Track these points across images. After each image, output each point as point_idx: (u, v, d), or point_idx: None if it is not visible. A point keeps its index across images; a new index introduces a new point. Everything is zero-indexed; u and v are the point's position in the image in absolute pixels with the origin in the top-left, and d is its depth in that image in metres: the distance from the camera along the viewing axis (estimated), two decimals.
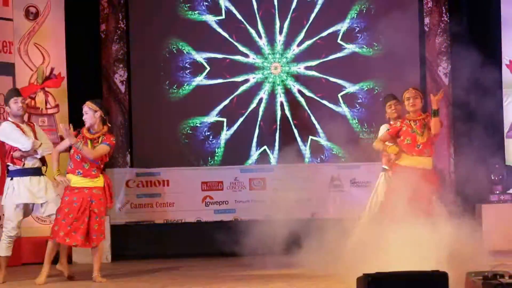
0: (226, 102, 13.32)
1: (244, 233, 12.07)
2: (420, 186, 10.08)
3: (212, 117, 13.28)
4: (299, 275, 9.79)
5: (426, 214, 9.92)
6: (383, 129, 10.49)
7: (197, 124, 13.31)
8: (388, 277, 6.20)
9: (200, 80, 13.28)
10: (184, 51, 13.32)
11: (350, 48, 13.21)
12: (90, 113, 9.82)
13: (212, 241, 12.15)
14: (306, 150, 13.19)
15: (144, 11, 13.37)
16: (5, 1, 12.32)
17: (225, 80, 13.31)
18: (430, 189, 10.21)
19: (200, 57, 13.28)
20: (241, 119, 13.29)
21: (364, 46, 13.19)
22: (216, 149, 13.26)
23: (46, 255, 9.90)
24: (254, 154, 13.21)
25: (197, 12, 13.31)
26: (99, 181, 9.84)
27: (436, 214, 10.23)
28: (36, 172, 9.99)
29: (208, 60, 13.31)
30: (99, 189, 9.83)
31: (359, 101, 13.21)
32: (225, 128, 13.30)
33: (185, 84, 13.33)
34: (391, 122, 10.41)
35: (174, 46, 13.31)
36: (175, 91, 13.30)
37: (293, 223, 12.50)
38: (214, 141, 13.25)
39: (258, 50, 13.33)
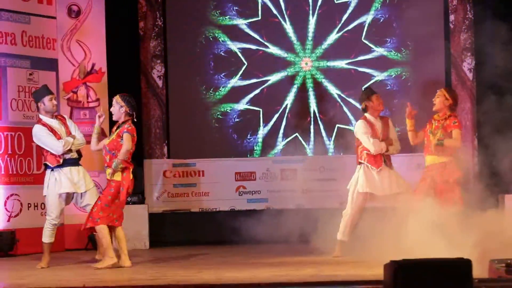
0: (259, 94, 13.31)
1: (276, 221, 12.11)
2: (443, 178, 10.08)
3: (246, 110, 13.27)
4: (329, 261, 9.79)
5: (451, 203, 9.91)
6: (361, 124, 10.40)
7: (231, 116, 13.31)
8: (414, 264, 6.18)
9: (235, 81, 13.27)
10: (219, 43, 13.32)
11: (378, 51, 13.15)
12: (117, 107, 9.76)
13: (245, 229, 12.17)
14: (330, 144, 13.16)
15: (180, 9, 13.38)
16: (49, 0, 12.38)
17: (259, 79, 13.29)
18: (453, 179, 10.19)
19: (235, 47, 13.27)
20: (276, 114, 13.27)
21: (392, 51, 13.12)
22: (251, 141, 13.24)
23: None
24: (286, 145, 13.17)
25: (227, 16, 13.31)
26: (117, 176, 9.63)
27: (460, 202, 10.21)
28: (74, 162, 10.01)
29: (243, 51, 13.30)
30: (115, 182, 9.65)
31: (387, 88, 13.14)
32: (261, 121, 13.28)
33: (220, 80, 13.33)
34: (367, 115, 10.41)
35: (210, 39, 13.32)
36: (210, 85, 13.32)
37: (322, 212, 12.52)
38: (247, 134, 13.23)
39: (289, 47, 13.31)
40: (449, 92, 10.29)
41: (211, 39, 13.36)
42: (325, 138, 13.16)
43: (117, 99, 9.79)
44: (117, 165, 9.52)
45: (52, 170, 9.93)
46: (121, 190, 9.58)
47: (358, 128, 10.30)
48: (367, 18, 13.25)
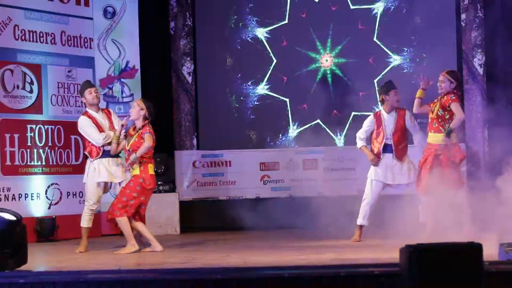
0: (284, 89, 13.31)
1: (298, 208, 12.11)
2: (449, 158, 10.00)
3: (271, 103, 13.26)
4: (347, 245, 9.78)
5: (456, 183, 9.84)
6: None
7: (257, 110, 13.30)
8: (427, 248, 6.15)
9: (262, 88, 13.27)
10: (246, 42, 13.33)
11: (396, 59, 13.12)
12: (137, 108, 9.70)
13: (270, 215, 12.17)
14: (341, 137, 13.13)
15: (208, 10, 13.38)
16: (86, 2, 12.42)
17: (282, 75, 13.29)
18: (458, 160, 10.11)
19: (260, 44, 13.28)
20: (299, 108, 13.27)
21: (408, 59, 13.07)
22: (275, 134, 13.23)
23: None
24: (308, 135, 13.13)
25: (248, 27, 13.31)
26: (136, 170, 9.65)
27: (463, 182, 10.13)
28: (114, 154, 10.03)
29: (269, 48, 13.30)
30: (134, 176, 9.65)
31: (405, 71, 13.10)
32: (289, 113, 13.28)
33: (247, 76, 13.34)
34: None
35: (237, 38, 13.32)
36: (237, 80, 13.33)
37: (341, 199, 12.50)
38: (272, 126, 13.22)
39: (311, 46, 13.29)
40: (452, 75, 10.15)
41: (237, 38, 13.34)
42: (344, 130, 13.13)
43: (139, 102, 9.79)
44: (134, 159, 9.54)
45: (92, 160, 9.96)
46: (139, 182, 9.61)
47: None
48: (380, 17, 13.20)
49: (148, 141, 9.57)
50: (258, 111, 13.32)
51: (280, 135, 13.14)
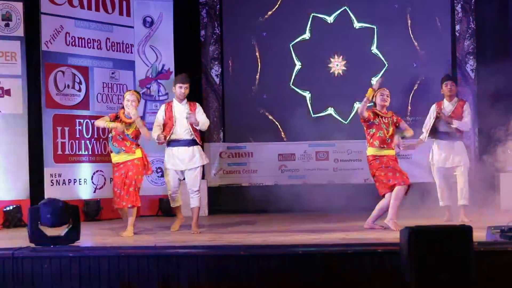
0: (300, 86, 13.32)
1: (311, 194, 12.10)
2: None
3: (289, 102, 13.25)
4: (356, 227, 9.73)
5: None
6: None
7: (276, 107, 13.31)
8: (424, 229, 6.17)
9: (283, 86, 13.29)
10: (266, 48, 13.34)
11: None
12: (137, 101, 9.42)
13: (286, 200, 12.18)
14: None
15: (235, 20, 13.39)
16: (128, 13, 12.46)
17: (301, 78, 13.30)
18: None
19: (281, 50, 13.28)
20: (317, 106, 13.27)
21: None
22: (292, 129, 13.23)
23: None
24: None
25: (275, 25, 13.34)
26: (138, 153, 9.38)
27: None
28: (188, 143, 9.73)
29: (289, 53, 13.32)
30: (139, 159, 9.37)
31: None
32: (310, 109, 13.29)
33: (268, 77, 13.35)
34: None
35: (260, 44, 13.33)
36: (259, 81, 13.33)
37: (349, 187, 12.51)
38: (289, 122, 13.22)
39: (326, 53, 13.29)
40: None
41: (259, 43, 13.34)
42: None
43: (135, 95, 9.43)
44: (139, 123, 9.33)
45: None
46: (141, 164, 9.42)
47: None
48: (377, 28, 13.18)
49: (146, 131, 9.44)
50: (277, 108, 13.30)
51: (297, 130, 13.10)
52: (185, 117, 9.55)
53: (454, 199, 10.33)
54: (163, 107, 9.84)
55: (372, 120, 9.31)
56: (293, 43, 13.31)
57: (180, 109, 9.66)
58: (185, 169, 9.66)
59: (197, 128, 9.68)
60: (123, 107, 9.51)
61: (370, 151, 9.36)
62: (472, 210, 11.00)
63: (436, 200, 10.47)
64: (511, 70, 12.49)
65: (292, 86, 13.28)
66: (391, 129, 9.36)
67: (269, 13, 13.35)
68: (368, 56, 13.21)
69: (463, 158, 10.26)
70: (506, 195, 12.11)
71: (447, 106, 10.23)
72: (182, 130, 9.63)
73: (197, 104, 9.86)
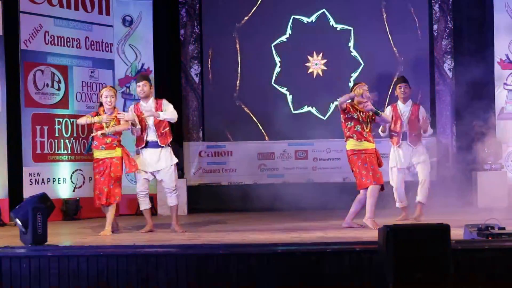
0: (282, 90, 13.31)
1: (291, 193, 12.11)
2: None
3: (269, 100, 13.24)
4: (334, 225, 9.75)
5: None
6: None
7: (255, 106, 13.29)
8: (402, 228, 6.17)
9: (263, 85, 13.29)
10: (246, 47, 13.32)
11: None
12: (115, 97, 9.45)
13: (266, 199, 12.18)
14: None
15: (214, 19, 13.36)
16: (107, 12, 12.41)
17: (281, 77, 13.29)
18: None
19: (261, 48, 13.27)
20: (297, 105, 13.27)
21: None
22: (270, 127, 13.22)
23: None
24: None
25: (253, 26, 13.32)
26: (118, 152, 9.37)
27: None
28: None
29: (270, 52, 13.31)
30: (118, 159, 9.37)
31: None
32: (290, 105, 13.28)
33: (247, 76, 13.33)
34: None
35: (239, 43, 13.30)
36: (239, 79, 13.32)
37: (328, 185, 12.53)
38: (268, 121, 13.21)
39: (305, 52, 13.29)
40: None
41: (239, 43, 13.32)
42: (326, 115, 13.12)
43: (113, 91, 9.48)
44: (112, 131, 9.33)
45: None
46: (121, 163, 9.42)
47: None
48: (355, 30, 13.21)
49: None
50: (257, 107, 13.28)
51: (277, 128, 13.09)
52: (146, 115, 9.50)
53: (411, 199, 10.38)
54: (131, 107, 9.79)
55: (351, 114, 9.37)
56: (273, 43, 13.30)
57: (147, 108, 9.61)
58: (154, 170, 9.64)
59: (164, 118, 9.53)
60: (101, 105, 9.47)
61: (349, 145, 9.41)
62: (449, 209, 11.06)
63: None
64: (489, 69, 12.58)
65: (273, 84, 13.27)
66: (369, 125, 9.45)
67: (249, 13, 13.34)
68: (346, 56, 13.24)
69: (423, 156, 10.24)
70: (483, 194, 12.17)
71: (402, 108, 10.23)
72: (150, 131, 9.60)
73: (163, 100, 9.70)
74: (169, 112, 9.53)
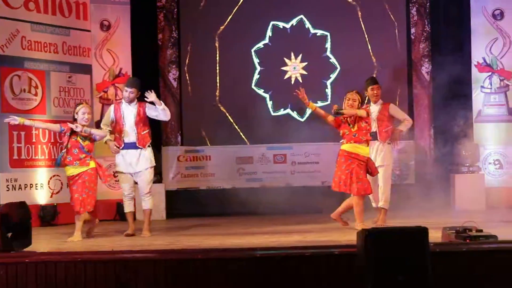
0: (259, 89, 13.30)
1: (269, 197, 12.10)
2: None
3: (247, 105, 13.23)
4: (313, 229, 9.78)
5: None
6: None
7: (234, 110, 13.27)
8: (380, 231, 6.18)
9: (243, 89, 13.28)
10: (225, 51, 13.30)
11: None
12: (91, 114, 9.66)
13: (244, 203, 12.16)
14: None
15: (192, 24, 13.33)
16: (85, 16, 12.36)
17: (259, 82, 13.28)
18: None
19: (240, 53, 13.25)
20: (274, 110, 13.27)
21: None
22: (249, 132, 13.20)
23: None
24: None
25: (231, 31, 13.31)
26: (91, 164, 9.49)
27: None
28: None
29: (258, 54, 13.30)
30: (92, 169, 9.47)
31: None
32: (269, 107, 13.28)
33: (226, 80, 13.31)
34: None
35: (218, 47, 13.29)
36: (217, 84, 13.30)
37: (307, 189, 12.53)
38: (246, 125, 13.20)
39: (283, 56, 13.30)
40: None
41: (218, 47, 13.30)
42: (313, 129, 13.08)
43: (89, 108, 9.71)
44: (87, 131, 9.45)
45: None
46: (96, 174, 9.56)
47: None
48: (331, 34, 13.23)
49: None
50: (236, 111, 13.26)
51: (254, 133, 13.10)
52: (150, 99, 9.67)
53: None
54: (112, 107, 9.98)
55: (341, 121, 9.73)
56: (253, 48, 13.29)
57: (129, 111, 9.78)
58: (134, 172, 9.76)
59: (159, 108, 9.76)
60: (74, 120, 9.51)
61: (343, 146, 9.71)
62: (427, 211, 11.10)
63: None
64: (466, 72, 12.65)
65: (252, 87, 13.25)
66: (356, 126, 9.62)
67: (228, 18, 13.31)
68: (323, 60, 13.24)
69: (385, 159, 10.28)
70: (461, 196, 12.23)
71: (373, 107, 10.34)
72: (129, 132, 9.74)
73: (146, 103, 9.83)
74: (165, 108, 9.87)
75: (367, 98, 10.42)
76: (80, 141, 9.44)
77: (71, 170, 9.49)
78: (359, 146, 9.57)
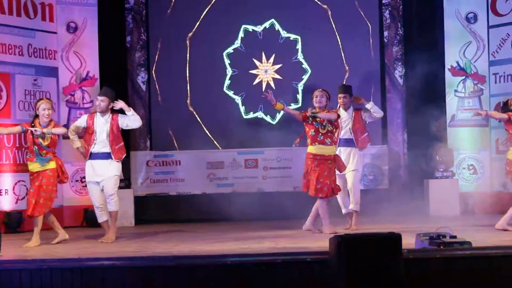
0: (232, 94, 13.31)
1: (240, 203, 12.10)
2: None
3: (217, 108, 13.23)
4: (285, 235, 9.79)
5: None
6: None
7: (204, 114, 13.25)
8: (353, 237, 6.20)
9: (208, 85, 13.26)
10: (194, 54, 13.29)
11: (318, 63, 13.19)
12: (52, 110, 9.69)
13: (215, 209, 12.15)
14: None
15: (161, 26, 13.30)
16: (51, 18, 12.28)
17: (228, 85, 13.29)
18: None
19: (208, 55, 13.24)
20: (245, 114, 13.27)
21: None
22: (220, 136, 13.20)
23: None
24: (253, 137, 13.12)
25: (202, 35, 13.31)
26: (52, 164, 9.59)
27: None
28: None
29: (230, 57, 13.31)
30: (51, 171, 9.59)
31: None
32: (241, 111, 13.28)
33: (195, 84, 13.29)
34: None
35: (187, 50, 13.27)
36: (186, 88, 13.28)
37: (279, 194, 12.53)
38: (218, 129, 13.20)
39: (253, 61, 13.32)
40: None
41: (189, 50, 13.28)
42: (285, 134, 13.11)
43: (51, 104, 9.74)
44: (49, 132, 9.55)
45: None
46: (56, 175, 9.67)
47: None
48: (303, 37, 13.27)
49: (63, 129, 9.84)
50: (206, 115, 13.25)
51: (225, 137, 13.10)
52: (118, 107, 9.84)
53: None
54: (85, 116, 10.12)
55: (309, 120, 10.02)
56: (224, 51, 13.28)
57: (102, 123, 9.90)
58: (100, 179, 9.87)
59: (129, 114, 9.90)
60: (36, 116, 9.66)
61: (309, 148, 10.04)
62: (401, 217, 11.15)
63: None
64: (439, 76, 12.73)
65: (224, 90, 13.24)
66: (326, 127, 9.96)
67: (198, 21, 13.29)
68: (294, 63, 13.27)
69: (357, 164, 10.56)
70: (435, 201, 12.31)
71: (344, 115, 10.58)
72: (101, 144, 9.88)
73: (119, 114, 10.03)
74: (135, 118, 9.98)
75: (338, 105, 10.62)
76: (40, 138, 9.56)
77: (32, 166, 9.62)
78: (323, 147, 9.95)
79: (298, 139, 10.21)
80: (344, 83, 12.68)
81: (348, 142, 10.52)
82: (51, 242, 9.60)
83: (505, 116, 9.99)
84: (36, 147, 9.54)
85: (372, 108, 10.54)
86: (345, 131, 10.50)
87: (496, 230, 9.70)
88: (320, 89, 10.21)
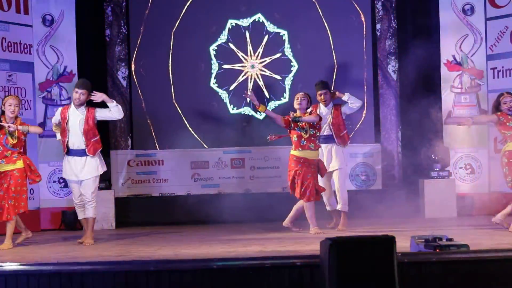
0: (218, 90, 13.31)
1: (226, 204, 12.10)
2: None
3: (202, 105, 13.24)
4: (274, 238, 9.81)
5: None
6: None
7: (188, 111, 13.25)
8: (345, 240, 6.22)
9: (191, 81, 13.27)
10: (178, 48, 13.28)
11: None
12: (19, 106, 9.75)
13: (200, 211, 12.16)
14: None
15: (142, 19, 13.29)
16: (26, 10, 12.24)
17: (213, 80, 13.29)
18: None
19: (192, 50, 13.24)
20: (231, 110, 13.29)
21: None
22: (205, 134, 13.20)
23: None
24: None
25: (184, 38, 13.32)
26: (19, 164, 9.62)
27: None
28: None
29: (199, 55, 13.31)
30: (19, 170, 9.63)
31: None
32: (227, 107, 13.29)
33: (178, 79, 13.29)
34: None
35: (170, 44, 13.27)
36: (169, 84, 13.28)
37: (267, 195, 12.55)
38: (202, 126, 13.20)
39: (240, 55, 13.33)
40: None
41: (172, 45, 13.28)
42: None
43: (17, 100, 9.78)
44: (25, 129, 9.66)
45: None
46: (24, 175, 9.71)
47: None
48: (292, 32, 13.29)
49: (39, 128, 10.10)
50: (190, 112, 13.25)
51: (211, 135, 13.11)
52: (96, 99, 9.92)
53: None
54: (59, 110, 10.19)
55: (291, 126, 10.37)
56: (210, 46, 13.28)
57: (75, 116, 9.92)
58: (76, 180, 9.94)
59: (112, 105, 9.98)
60: (3, 113, 9.72)
61: (292, 151, 10.40)
62: (395, 219, 11.19)
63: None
64: (435, 71, 12.76)
65: (210, 86, 13.25)
66: (309, 131, 10.28)
67: (181, 13, 13.29)
68: (282, 58, 13.28)
69: (340, 162, 10.87)
70: (431, 203, 12.32)
71: (324, 110, 10.93)
72: (76, 139, 9.95)
73: (96, 108, 10.09)
74: (118, 105, 10.08)
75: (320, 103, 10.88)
76: (5, 137, 9.60)
77: None
78: (307, 151, 10.29)
79: (274, 136, 10.42)
80: (334, 78, 12.75)
81: (327, 139, 10.87)
82: (15, 241, 9.65)
83: (493, 117, 10.09)
84: (1, 148, 9.59)
85: (350, 99, 10.77)
86: (324, 128, 10.80)
87: (494, 231, 9.76)
88: (302, 93, 10.57)
